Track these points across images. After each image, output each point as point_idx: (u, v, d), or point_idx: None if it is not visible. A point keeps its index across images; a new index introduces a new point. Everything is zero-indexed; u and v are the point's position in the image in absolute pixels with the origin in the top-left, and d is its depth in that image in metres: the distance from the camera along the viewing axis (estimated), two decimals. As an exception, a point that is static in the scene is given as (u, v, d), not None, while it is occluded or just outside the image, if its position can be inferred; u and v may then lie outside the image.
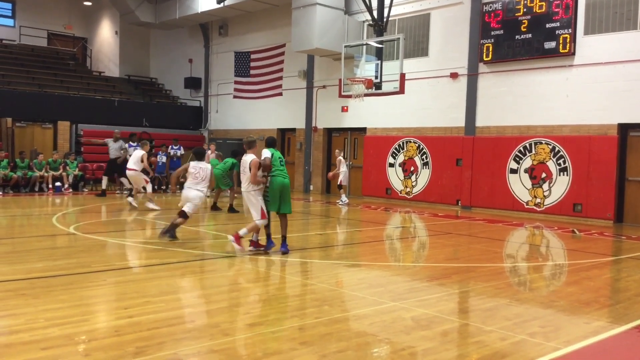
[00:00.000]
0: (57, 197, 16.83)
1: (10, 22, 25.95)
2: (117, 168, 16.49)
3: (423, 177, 17.02)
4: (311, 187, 20.49)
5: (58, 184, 18.05)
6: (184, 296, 5.88)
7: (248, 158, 8.06)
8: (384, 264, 8.32)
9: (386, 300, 5.92)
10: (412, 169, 17.30)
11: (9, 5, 26.03)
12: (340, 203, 16.52)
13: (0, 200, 15.23)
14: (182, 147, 20.24)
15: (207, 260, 8.01)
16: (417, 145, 17.13)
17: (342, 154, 17.30)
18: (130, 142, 19.16)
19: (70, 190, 17.78)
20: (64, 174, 18.25)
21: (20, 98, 19.99)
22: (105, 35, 27.50)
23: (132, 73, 26.78)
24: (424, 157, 16.95)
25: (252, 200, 8.13)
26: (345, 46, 15.96)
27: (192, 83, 25.01)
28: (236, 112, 23.35)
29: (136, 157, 14.14)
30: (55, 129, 20.33)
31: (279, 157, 8.57)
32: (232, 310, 5.45)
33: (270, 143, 8.69)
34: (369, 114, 18.41)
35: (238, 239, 7.96)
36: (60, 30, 27.24)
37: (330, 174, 17.16)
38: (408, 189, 17.41)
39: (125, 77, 26.45)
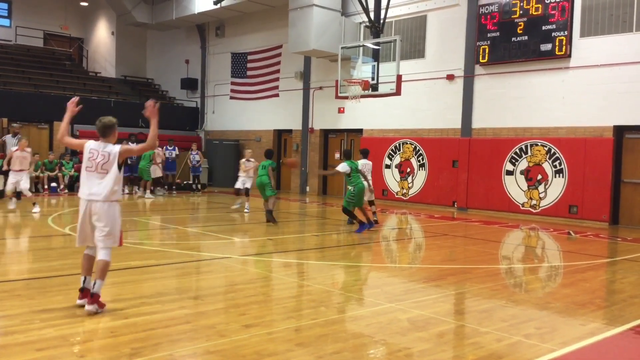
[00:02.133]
0: (52, 197, 16.78)
1: (6, 22, 25.89)
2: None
3: (419, 179, 17.03)
4: (307, 189, 20.50)
5: (54, 184, 18.00)
6: (180, 297, 5.87)
7: (114, 149, 5.51)
8: (380, 265, 8.33)
9: (382, 302, 5.92)
10: (408, 170, 17.31)
11: (5, 5, 25.98)
12: (235, 206, 14.70)
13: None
14: (177, 148, 20.21)
15: (203, 261, 8.00)
16: (413, 146, 17.15)
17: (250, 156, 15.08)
18: (129, 143, 19.15)
19: (66, 191, 17.73)
20: (59, 174, 18.20)
21: (16, 98, 19.94)
22: (102, 36, 27.47)
23: (128, 74, 26.74)
24: (420, 158, 16.97)
25: (114, 214, 5.36)
26: (342, 47, 15.98)
27: (189, 84, 24.98)
28: (233, 113, 23.33)
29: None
30: (51, 130, 20.27)
31: (355, 167, 11.12)
32: (228, 312, 5.45)
33: (348, 154, 11.68)
34: (365, 115, 18.43)
35: (98, 300, 5.18)
36: (57, 30, 27.19)
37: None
38: (404, 191, 17.42)
39: (121, 77, 26.41)
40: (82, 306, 5.15)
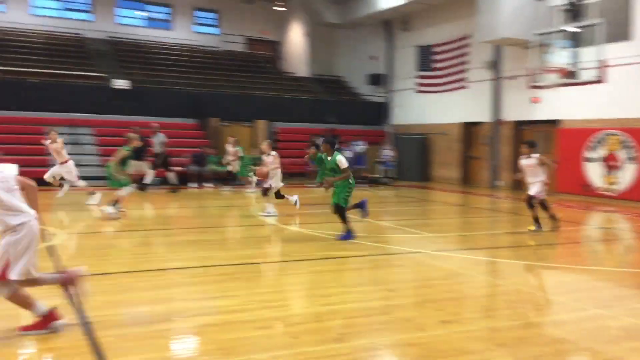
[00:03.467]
0: (256, 190, 18.36)
1: (216, 30, 28.86)
2: (162, 161, 16.72)
3: (628, 173, 15.41)
4: (499, 183, 19.72)
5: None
6: (377, 288, 6.13)
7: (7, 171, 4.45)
8: (584, 268, 7.77)
9: (588, 307, 5.56)
10: (614, 164, 15.77)
11: (215, 15, 28.93)
12: (265, 214, 11.70)
13: (212, 193, 17.06)
14: (364, 143, 20.81)
15: (394, 255, 8.21)
16: (620, 138, 15.57)
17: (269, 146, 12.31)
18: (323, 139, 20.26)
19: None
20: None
21: (224, 99, 22.20)
22: (295, 38, 29.24)
23: (319, 72, 28.12)
24: (629, 151, 15.35)
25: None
26: (536, 34, 15.11)
27: (375, 79, 25.54)
28: (419, 107, 23.32)
29: None
30: (254, 127, 22.17)
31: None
32: (424, 306, 5.55)
33: (333, 143, 9.17)
34: (563, 105, 17.16)
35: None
36: (257, 35, 29.57)
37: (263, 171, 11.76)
38: (609, 186, 15.92)
39: (313, 76, 27.88)
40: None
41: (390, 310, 5.34)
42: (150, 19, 27.62)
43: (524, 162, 10.06)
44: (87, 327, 4.58)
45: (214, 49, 27.94)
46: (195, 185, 18.09)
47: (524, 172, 10.16)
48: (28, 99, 19.17)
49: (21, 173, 4.57)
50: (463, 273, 7.10)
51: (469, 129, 21.33)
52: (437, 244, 9.10)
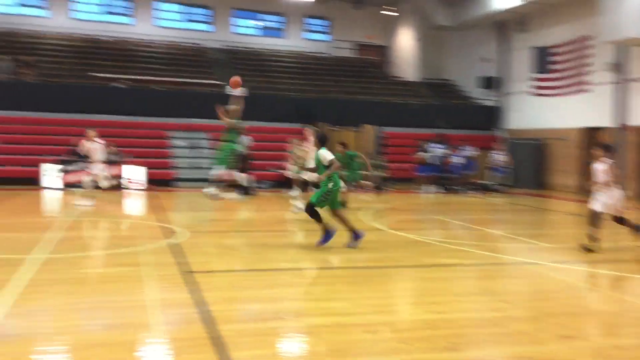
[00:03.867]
0: (363, 194, 18.42)
1: (326, 37, 29.38)
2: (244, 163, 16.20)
3: None
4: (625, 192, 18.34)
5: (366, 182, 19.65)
6: (490, 299, 5.94)
7: None
8: None
9: None
10: None
11: (325, 22, 29.47)
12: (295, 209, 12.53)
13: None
14: (473, 148, 20.19)
15: (507, 265, 7.92)
16: None
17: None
18: (432, 143, 19.99)
19: (375, 188, 19.13)
20: (370, 173, 19.81)
21: (333, 104, 22.52)
22: (404, 42, 29.05)
23: (428, 76, 27.73)
24: None
25: None
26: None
27: (487, 82, 24.73)
28: (533, 111, 22.28)
29: None
30: (362, 132, 22.25)
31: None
32: (542, 320, 5.29)
33: (324, 140, 8.51)
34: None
35: None
36: (366, 41, 29.71)
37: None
38: None
39: (422, 80, 27.56)
40: None
41: (505, 322, 5.15)
42: (264, 28, 28.69)
43: (596, 166, 8.87)
44: (208, 320, 4.85)
45: (323, 55, 28.46)
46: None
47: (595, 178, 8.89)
48: (152, 105, 20.60)
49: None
50: (584, 287, 6.71)
51: (590, 134, 20.04)
52: (556, 255, 8.63)
